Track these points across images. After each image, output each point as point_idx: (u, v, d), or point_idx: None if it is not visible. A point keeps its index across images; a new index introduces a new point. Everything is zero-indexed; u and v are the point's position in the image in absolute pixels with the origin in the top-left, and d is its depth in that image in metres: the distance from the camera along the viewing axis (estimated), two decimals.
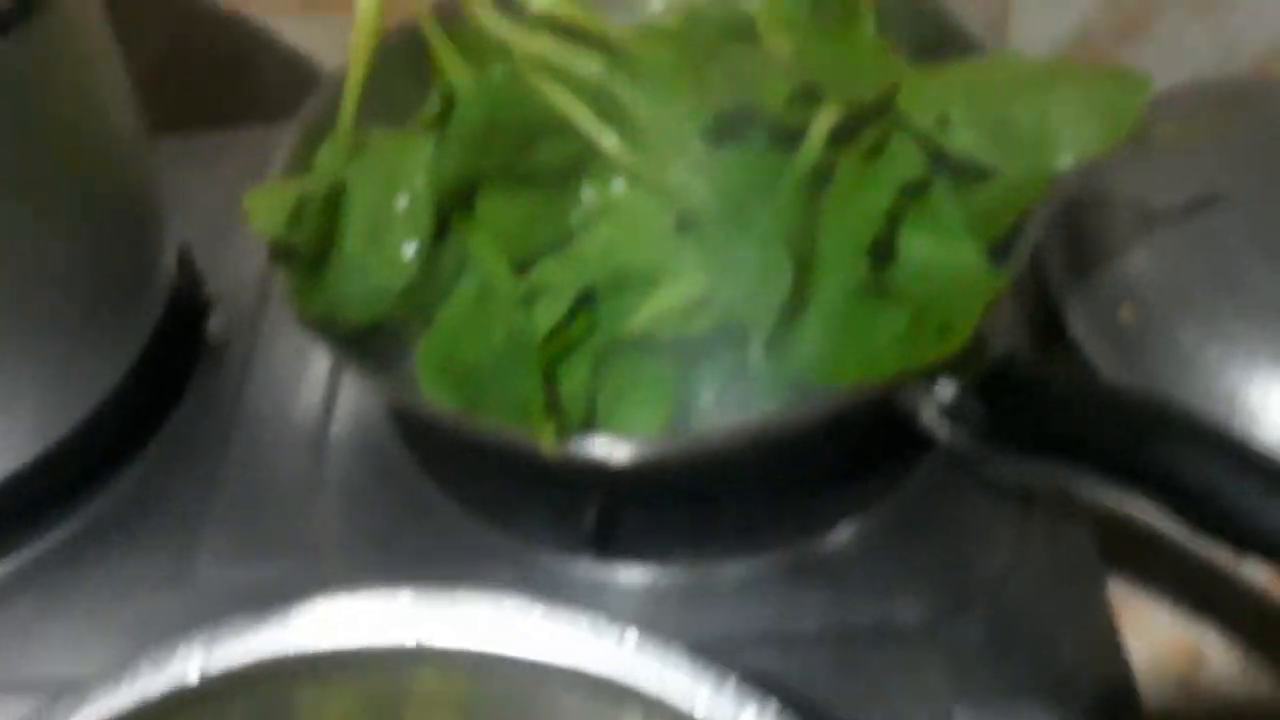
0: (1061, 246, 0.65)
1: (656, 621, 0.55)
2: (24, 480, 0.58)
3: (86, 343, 0.59)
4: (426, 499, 0.61)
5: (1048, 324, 0.64)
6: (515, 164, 0.53)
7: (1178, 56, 0.87)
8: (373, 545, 0.60)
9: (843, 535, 0.57)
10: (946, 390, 0.48)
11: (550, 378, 0.50)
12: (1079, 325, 0.63)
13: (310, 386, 0.66)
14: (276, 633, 0.35)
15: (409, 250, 0.53)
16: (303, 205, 0.53)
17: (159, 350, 0.64)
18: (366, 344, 0.53)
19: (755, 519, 0.57)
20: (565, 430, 0.47)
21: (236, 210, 0.77)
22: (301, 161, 0.61)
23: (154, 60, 0.89)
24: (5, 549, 0.60)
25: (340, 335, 0.53)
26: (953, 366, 0.48)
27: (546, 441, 0.46)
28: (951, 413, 0.49)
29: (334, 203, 0.54)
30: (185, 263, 0.73)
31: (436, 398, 0.51)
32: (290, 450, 0.63)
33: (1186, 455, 0.42)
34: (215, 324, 0.71)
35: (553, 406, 0.48)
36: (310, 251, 0.53)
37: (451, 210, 0.55)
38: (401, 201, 0.54)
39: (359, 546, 0.60)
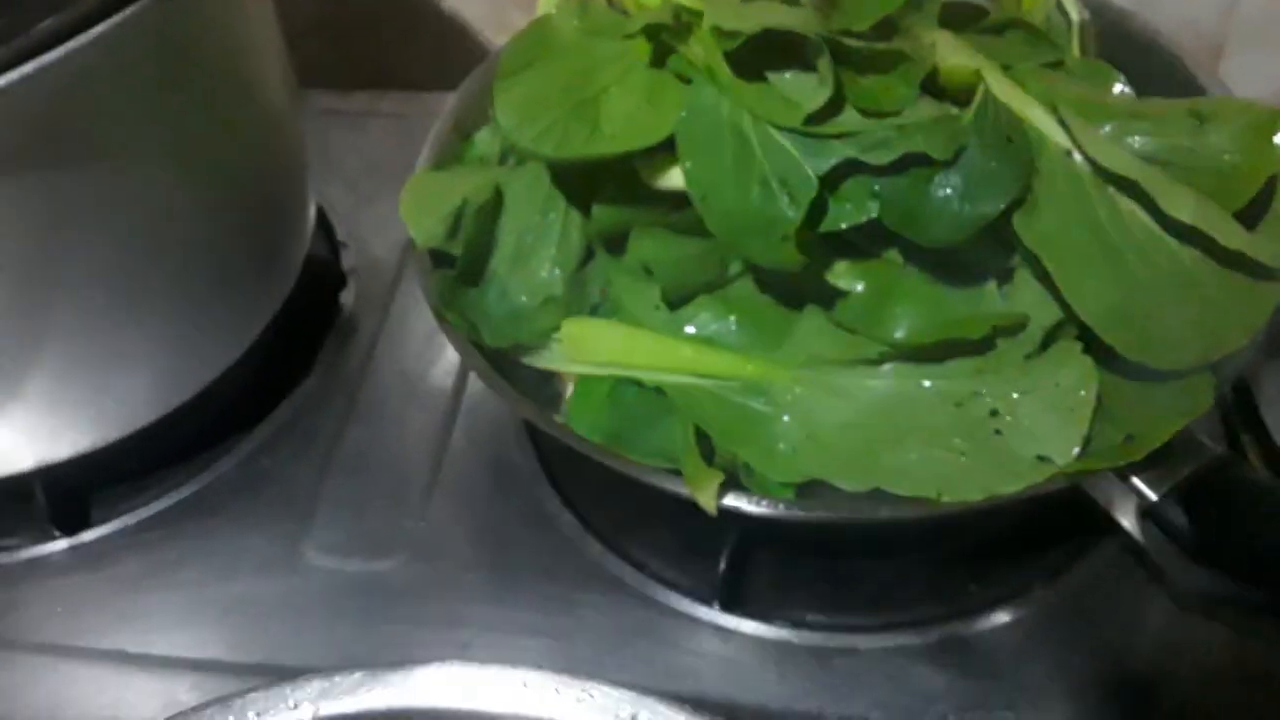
0: None
1: (776, 685, 0.50)
2: (140, 441, 0.56)
3: (221, 306, 0.57)
4: (548, 510, 0.57)
5: (1238, 403, 0.58)
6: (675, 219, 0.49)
7: None
8: (487, 552, 0.56)
9: (997, 620, 0.51)
10: (1148, 493, 0.43)
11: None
12: (1272, 411, 0.57)
13: (439, 374, 0.63)
14: (392, 692, 0.31)
15: (553, 276, 0.50)
16: (460, 213, 0.49)
17: (290, 320, 0.61)
18: (512, 357, 0.50)
19: (904, 591, 0.52)
20: (723, 484, 0.42)
21: (380, 177, 0.75)
22: (459, 132, 0.58)
23: (308, 15, 0.87)
24: (114, 510, 0.59)
25: (487, 350, 0.49)
26: (1151, 470, 0.43)
27: (705, 498, 0.42)
28: (1154, 517, 0.43)
29: (492, 216, 0.50)
30: (324, 229, 0.71)
31: (582, 429, 0.48)
32: (411, 440, 0.60)
33: None
34: (348, 297, 0.68)
35: (707, 455, 0.44)
36: (463, 266, 0.50)
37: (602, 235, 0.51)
38: (552, 225, 0.50)
39: (472, 552, 0.56)
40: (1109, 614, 0.52)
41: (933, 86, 0.46)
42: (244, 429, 0.61)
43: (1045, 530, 0.53)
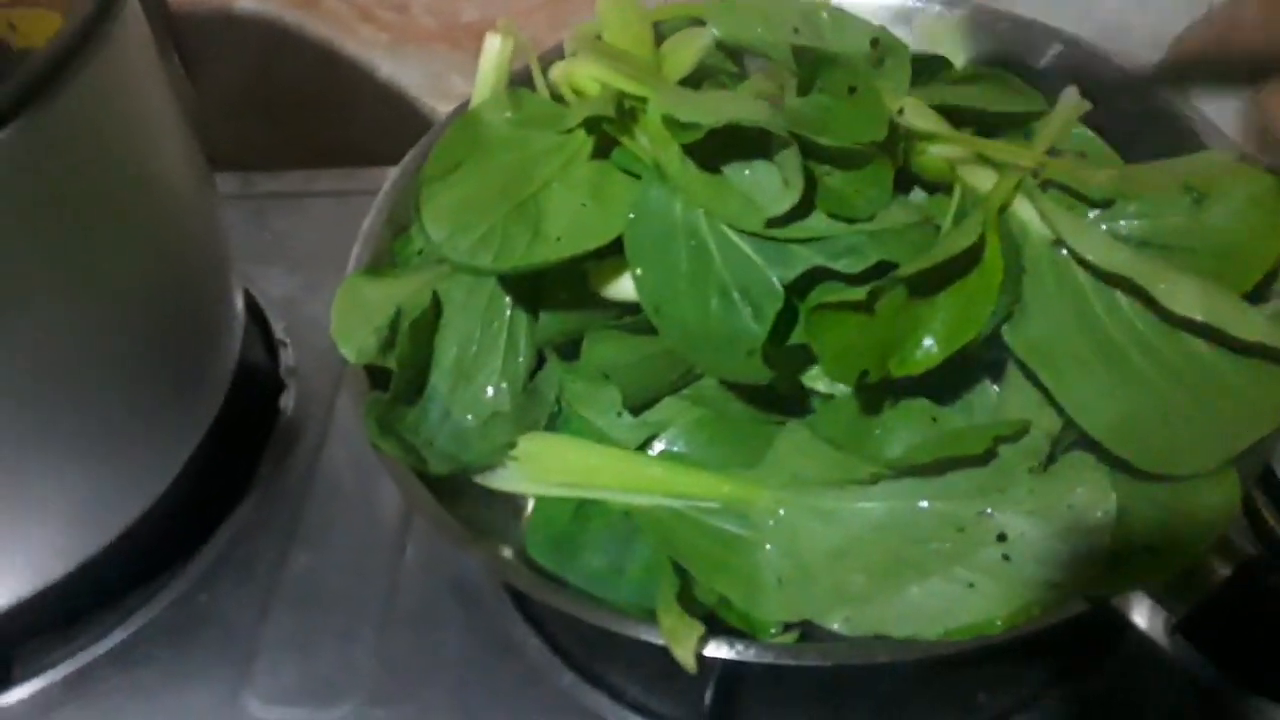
0: None
1: None
2: (62, 590, 0.51)
3: (139, 438, 0.51)
4: (514, 637, 0.52)
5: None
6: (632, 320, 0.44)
7: None
8: (449, 690, 0.51)
9: None
10: (1177, 607, 0.39)
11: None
12: None
13: (389, 488, 0.58)
14: None
15: (500, 391, 0.45)
16: (396, 324, 0.45)
17: (222, 437, 0.56)
18: (461, 486, 0.45)
19: (909, 704, 0.48)
20: (702, 636, 0.38)
21: (320, 263, 0.70)
22: (394, 224, 0.53)
23: (236, 90, 0.82)
24: (40, 665, 0.53)
25: (429, 478, 0.44)
26: (1178, 581, 0.39)
27: (683, 654, 0.37)
28: (1185, 632, 0.39)
29: (429, 328, 0.46)
30: (259, 326, 0.66)
31: (541, 557, 0.43)
32: (361, 564, 0.55)
33: None
34: (288, 401, 0.63)
35: (687, 601, 0.39)
36: (399, 386, 0.45)
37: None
38: (496, 335, 0.46)
39: (433, 691, 0.51)
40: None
41: (904, 170, 0.42)
42: (177, 563, 0.56)
43: (1057, 631, 0.48)
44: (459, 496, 0.45)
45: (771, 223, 0.39)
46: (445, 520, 0.43)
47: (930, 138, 0.42)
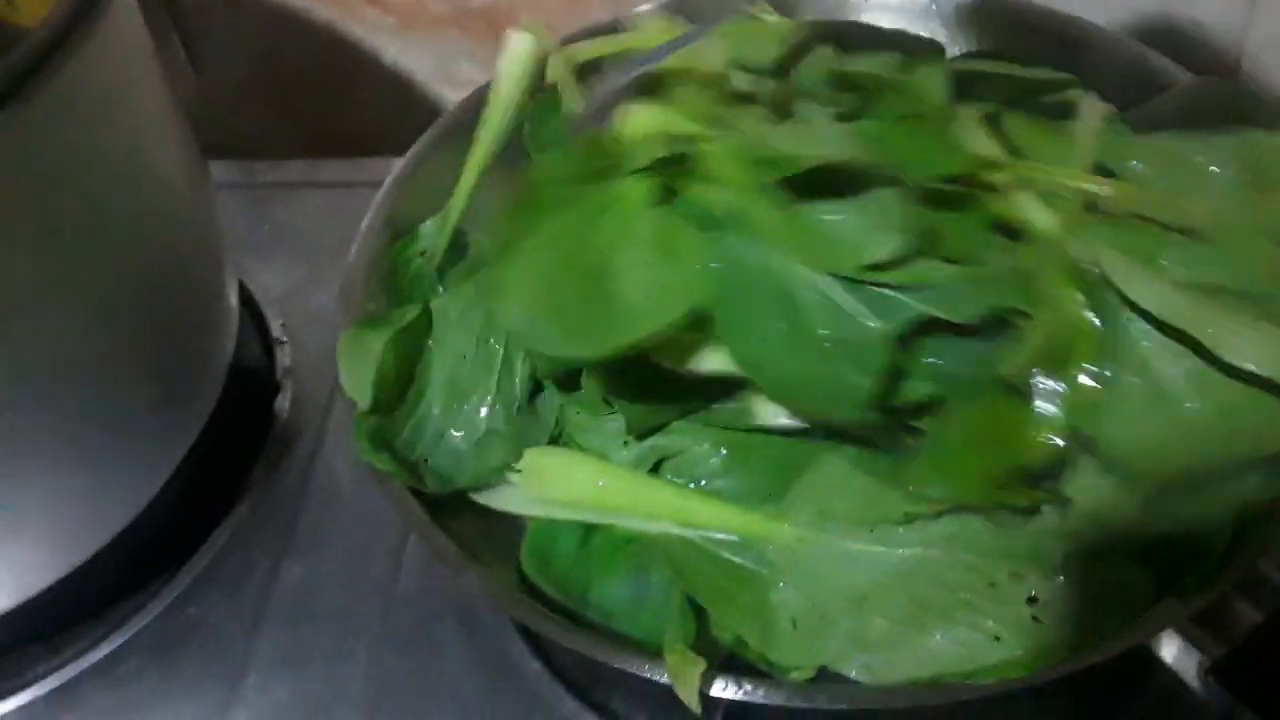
0: None
1: None
2: (50, 600, 0.49)
3: (125, 446, 0.49)
4: (514, 660, 0.50)
5: None
6: None
7: None
8: (443, 713, 0.49)
9: None
10: (1211, 648, 0.37)
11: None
12: None
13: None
14: None
15: (494, 413, 0.43)
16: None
17: (214, 441, 0.54)
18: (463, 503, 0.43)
19: None
20: (709, 673, 0.36)
21: (319, 258, 0.68)
22: (397, 218, 0.52)
23: (241, 75, 0.80)
24: (21, 681, 0.51)
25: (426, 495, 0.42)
26: (1213, 620, 0.37)
27: (687, 694, 0.35)
28: (1219, 676, 0.37)
29: (416, 341, 0.43)
30: (256, 323, 0.64)
31: (540, 580, 0.41)
32: (355, 580, 0.53)
33: None
34: (283, 403, 0.61)
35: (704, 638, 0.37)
36: (379, 398, 0.43)
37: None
38: (491, 354, 0.44)
39: (426, 713, 0.49)
40: None
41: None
42: (165, 574, 0.54)
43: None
44: (460, 513, 0.44)
45: (871, 268, 0.35)
46: (440, 542, 0.41)
47: (990, 165, 0.39)
